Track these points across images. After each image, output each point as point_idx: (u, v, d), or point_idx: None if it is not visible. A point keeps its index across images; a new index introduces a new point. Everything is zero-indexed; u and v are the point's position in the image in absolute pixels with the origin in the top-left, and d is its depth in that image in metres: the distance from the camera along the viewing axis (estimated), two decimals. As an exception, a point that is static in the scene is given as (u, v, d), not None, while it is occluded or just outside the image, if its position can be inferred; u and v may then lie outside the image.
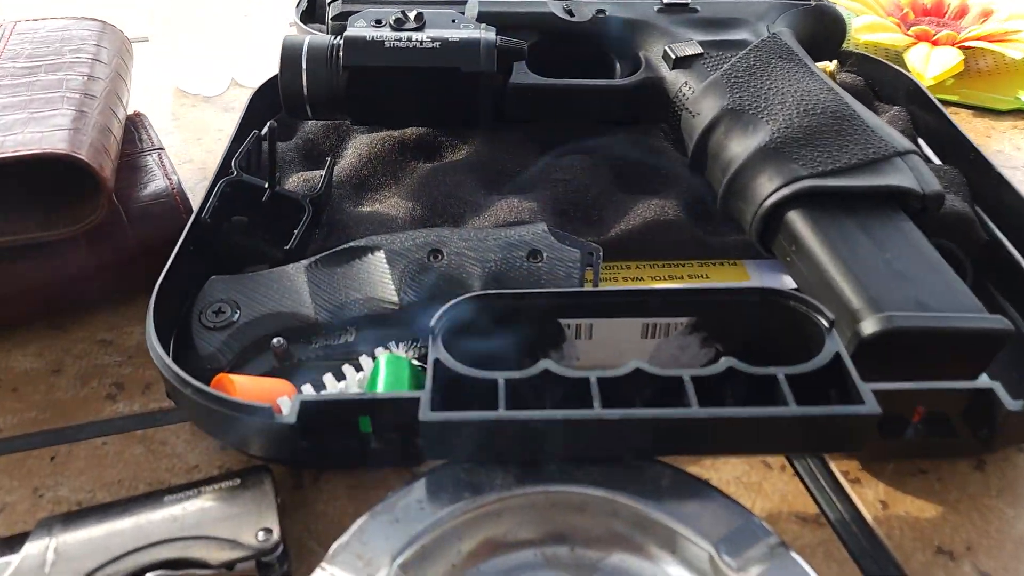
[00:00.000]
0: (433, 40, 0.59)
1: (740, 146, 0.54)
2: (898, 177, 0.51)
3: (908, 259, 0.47)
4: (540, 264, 0.51)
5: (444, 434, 0.38)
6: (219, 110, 0.83)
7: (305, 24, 0.85)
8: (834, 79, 0.73)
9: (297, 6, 0.87)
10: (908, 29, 0.85)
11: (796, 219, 0.50)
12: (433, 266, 0.51)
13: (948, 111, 0.68)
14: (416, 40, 0.59)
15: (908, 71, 0.79)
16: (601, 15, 0.64)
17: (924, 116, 0.70)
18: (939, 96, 0.81)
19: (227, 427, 0.43)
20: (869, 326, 0.43)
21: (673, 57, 0.60)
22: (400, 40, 0.59)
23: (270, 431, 0.41)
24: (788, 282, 0.57)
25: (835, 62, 0.73)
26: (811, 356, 0.40)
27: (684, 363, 0.49)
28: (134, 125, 0.65)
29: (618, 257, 0.58)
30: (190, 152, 0.76)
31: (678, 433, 0.40)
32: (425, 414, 0.38)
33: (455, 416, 0.38)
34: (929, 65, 0.79)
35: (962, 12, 0.89)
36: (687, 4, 0.64)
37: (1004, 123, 0.80)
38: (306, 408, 0.41)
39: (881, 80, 0.74)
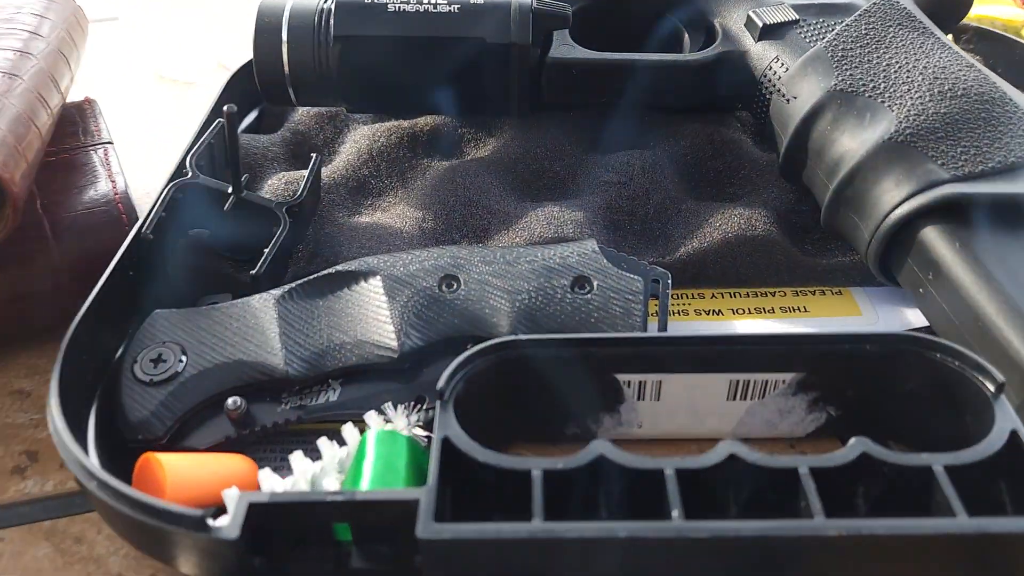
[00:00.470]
0: (451, 3, 0.46)
1: (854, 140, 0.41)
2: None
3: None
4: (589, 296, 0.38)
5: (453, 554, 0.27)
6: (204, 98, 0.70)
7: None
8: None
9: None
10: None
11: (936, 238, 0.37)
12: (446, 298, 0.38)
13: None
14: (429, 2, 0.46)
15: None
16: (667, -24, 0.50)
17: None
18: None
19: (145, 537, 0.30)
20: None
21: (760, 24, 0.46)
22: (408, 3, 0.46)
23: (204, 547, 0.28)
24: (913, 318, 0.43)
25: (950, 38, 0.59)
26: (966, 432, 0.31)
27: (783, 431, 0.36)
28: (80, 114, 0.53)
29: (690, 283, 0.44)
30: (163, 147, 0.64)
31: (792, 556, 0.27)
32: (427, 527, 0.26)
33: (469, 531, 0.26)
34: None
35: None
36: (775, -39, 0.50)
37: None
38: (255, 513, 0.28)
39: (1004, 60, 0.60)
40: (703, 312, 0.44)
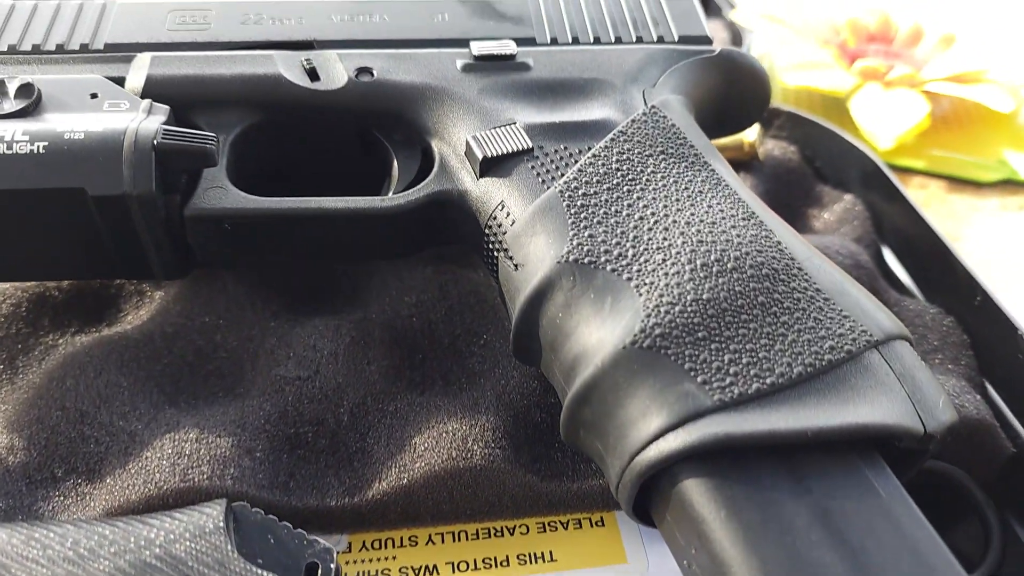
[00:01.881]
0: (34, 139, 0.32)
1: (591, 336, 0.29)
2: (880, 403, 0.27)
3: (888, 553, 0.24)
4: (195, 616, 0.25)
5: None
6: None
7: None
8: (755, 154, 0.49)
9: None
10: (851, 64, 0.61)
11: (699, 495, 0.26)
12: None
13: (913, 183, 0.44)
14: (2, 140, 0.31)
15: (857, 132, 0.55)
16: (366, 77, 0.37)
17: (890, 211, 0.45)
18: (898, 162, 0.57)
19: None
20: None
21: (480, 156, 0.34)
22: (-30, 139, 0.31)
23: None
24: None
25: (757, 128, 0.48)
26: None
27: None
28: None
29: (400, 523, 0.32)
30: None
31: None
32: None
33: None
34: (884, 120, 0.55)
35: (916, 38, 0.66)
36: (511, 57, 0.38)
37: (989, 199, 0.56)
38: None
39: (825, 151, 0.50)
40: (411, 571, 0.31)
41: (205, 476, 0.30)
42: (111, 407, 0.33)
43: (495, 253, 0.33)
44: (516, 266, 0.32)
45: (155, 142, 0.32)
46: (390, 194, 0.36)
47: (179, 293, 0.38)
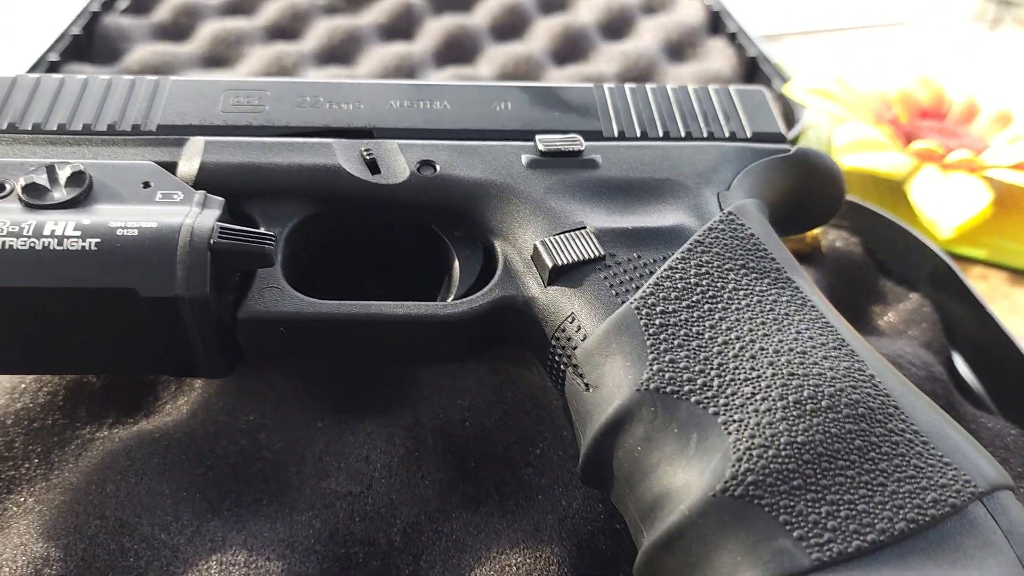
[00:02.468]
0: (86, 234, 0.30)
1: (675, 476, 0.27)
2: (988, 565, 0.26)
3: None
4: None
5: None
6: None
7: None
8: (818, 246, 0.47)
9: None
10: (906, 144, 0.60)
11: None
12: None
13: (974, 273, 0.42)
14: (52, 235, 0.30)
15: (914, 217, 0.54)
16: (428, 171, 0.35)
17: (961, 314, 0.43)
18: (958, 250, 0.55)
19: None
20: None
21: (550, 264, 0.32)
22: (19, 235, 0.30)
23: None
24: None
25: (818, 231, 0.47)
26: None
27: None
28: None
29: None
30: None
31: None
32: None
33: None
34: (945, 206, 0.53)
35: (970, 114, 0.64)
36: (579, 153, 0.36)
37: (1052, 292, 0.54)
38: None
39: (889, 245, 0.48)
40: None
41: (258, 600, 0.28)
42: (152, 517, 0.31)
43: (562, 367, 0.32)
44: (587, 386, 0.30)
45: (211, 242, 0.30)
46: (451, 296, 0.34)
47: (222, 387, 0.36)
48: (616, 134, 0.38)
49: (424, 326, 0.32)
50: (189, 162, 0.35)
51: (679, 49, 0.70)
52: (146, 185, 0.33)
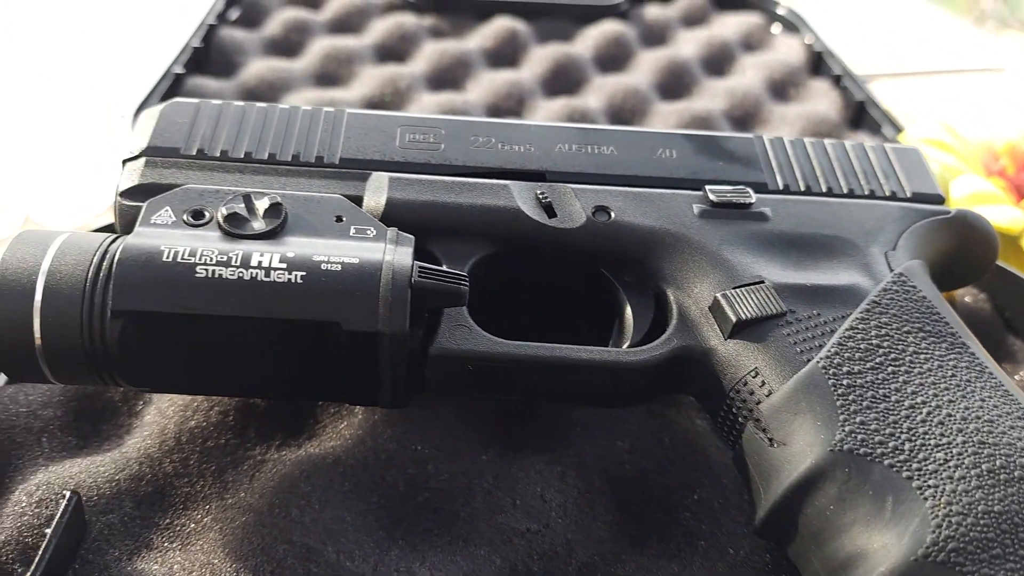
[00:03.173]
0: (292, 267, 0.31)
1: (871, 539, 0.28)
2: None
3: None
4: None
5: None
6: None
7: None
8: (954, 303, 0.47)
9: (138, 109, 0.58)
10: (1019, 199, 0.60)
11: None
12: None
13: None
14: (259, 266, 0.31)
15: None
16: (603, 217, 0.36)
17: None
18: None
19: None
20: None
21: (734, 319, 0.33)
22: (227, 264, 0.31)
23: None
24: None
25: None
26: None
27: None
28: None
29: None
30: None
31: None
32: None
33: None
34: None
35: (1076, 168, 0.64)
36: (748, 205, 0.37)
37: None
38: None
39: (1017, 303, 0.48)
40: None
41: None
42: (337, 544, 0.32)
43: (740, 420, 0.32)
44: (772, 441, 0.31)
45: (412, 280, 0.31)
46: (625, 342, 0.35)
47: (387, 416, 0.37)
48: (781, 187, 0.39)
49: (607, 371, 0.33)
50: (375, 197, 0.36)
51: (782, 89, 0.71)
52: (339, 219, 0.34)
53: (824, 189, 0.39)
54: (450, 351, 0.33)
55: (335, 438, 0.37)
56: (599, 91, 0.68)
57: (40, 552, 0.29)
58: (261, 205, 0.33)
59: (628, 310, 0.36)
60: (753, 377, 0.32)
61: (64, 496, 0.31)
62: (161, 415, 0.37)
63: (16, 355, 0.31)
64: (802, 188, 0.39)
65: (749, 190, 0.37)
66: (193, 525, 0.34)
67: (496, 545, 0.33)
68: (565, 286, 0.38)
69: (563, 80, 0.70)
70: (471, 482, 0.35)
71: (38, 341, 0.31)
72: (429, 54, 0.71)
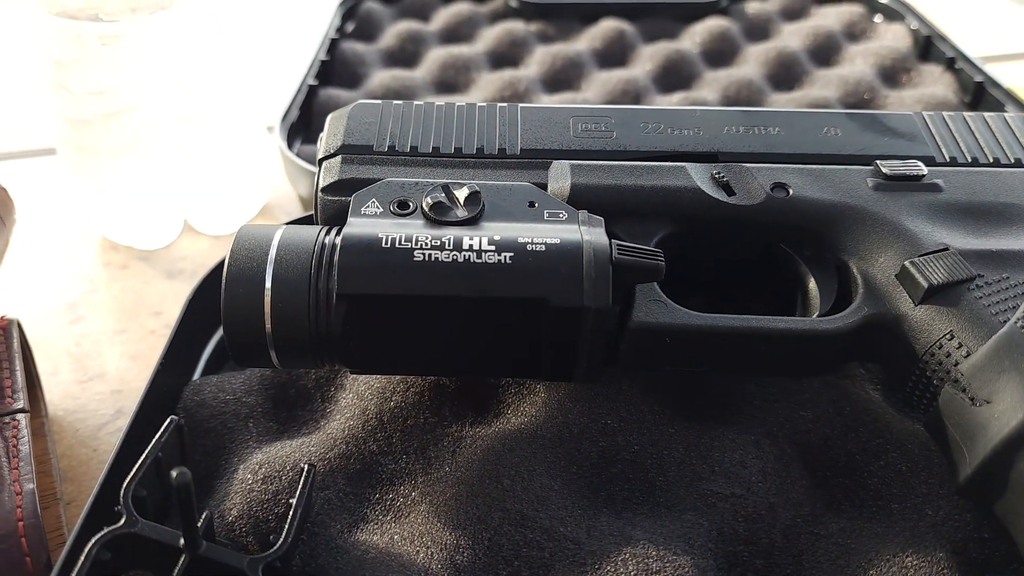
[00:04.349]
0: (500, 249, 0.33)
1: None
2: None
3: None
4: None
5: None
6: (161, 274, 0.57)
7: (292, 147, 0.59)
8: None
9: (284, 116, 0.61)
10: None
11: None
12: None
13: None
14: (470, 249, 0.33)
15: None
16: (781, 193, 0.38)
17: None
18: None
19: None
20: None
21: (926, 285, 0.34)
22: (441, 248, 0.33)
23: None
24: None
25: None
26: None
27: None
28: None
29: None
30: (101, 357, 0.50)
31: None
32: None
33: None
34: None
35: None
36: (920, 177, 0.38)
37: None
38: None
39: None
40: None
41: (674, 587, 0.30)
42: (549, 511, 0.34)
43: (935, 382, 0.33)
44: (975, 400, 0.31)
45: (612, 257, 0.33)
46: (815, 313, 0.36)
47: (572, 392, 0.39)
48: (947, 159, 0.39)
49: (802, 340, 0.34)
50: (559, 183, 0.38)
51: (892, 75, 0.71)
52: (531, 204, 0.36)
53: (991, 160, 0.39)
54: (649, 324, 0.34)
55: (522, 415, 0.39)
56: (713, 84, 0.69)
57: (288, 520, 0.31)
58: (461, 194, 0.35)
59: (812, 283, 0.37)
60: (949, 340, 0.33)
61: (302, 468, 0.33)
62: (359, 398, 0.39)
63: (248, 341, 0.34)
64: (968, 160, 0.39)
65: (919, 163, 0.38)
66: (402, 499, 0.36)
67: (700, 510, 0.34)
68: (740, 263, 0.39)
69: (675, 75, 0.71)
70: (661, 453, 0.37)
71: (268, 328, 0.34)
72: (541, 57, 0.73)
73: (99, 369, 0.49)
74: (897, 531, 0.34)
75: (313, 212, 0.39)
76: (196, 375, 0.43)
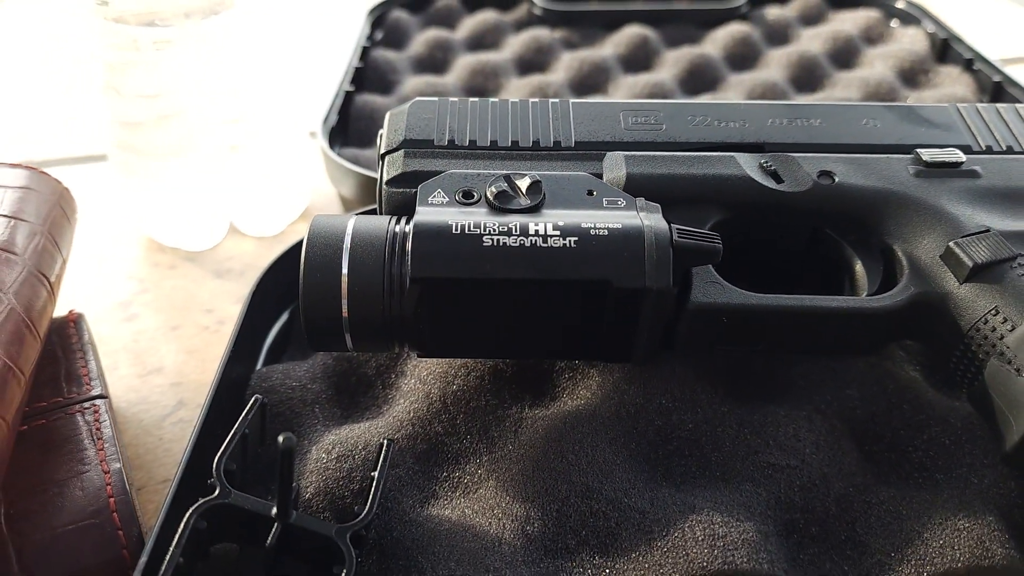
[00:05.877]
0: (565, 234, 0.35)
1: None
2: None
3: None
4: None
5: None
6: (210, 273, 0.59)
7: (334, 148, 0.61)
8: None
9: (325, 121, 0.63)
10: None
11: None
12: None
13: None
14: (536, 234, 0.35)
15: None
16: (827, 180, 0.39)
17: None
18: None
19: None
20: None
21: (970, 264, 0.35)
22: (509, 234, 0.34)
23: None
24: None
25: None
26: None
27: None
28: (62, 341, 0.40)
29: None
30: (159, 352, 0.51)
31: None
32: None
33: None
34: None
35: None
36: (959, 164, 0.40)
37: None
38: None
39: None
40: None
41: (744, 559, 0.32)
42: (613, 483, 0.35)
43: (980, 356, 0.35)
44: (1020, 371, 0.33)
45: (673, 240, 0.35)
46: (862, 294, 0.37)
47: (628, 375, 0.40)
48: (983, 148, 0.41)
49: (853, 319, 0.36)
50: (614, 173, 0.39)
51: (912, 76, 0.73)
52: (590, 192, 0.37)
53: (1025, 148, 0.41)
54: (707, 305, 0.36)
55: (578, 398, 0.40)
56: (737, 87, 0.71)
57: (371, 491, 0.33)
58: (523, 184, 0.37)
59: (858, 265, 0.38)
60: (994, 315, 0.34)
61: (381, 444, 0.35)
62: (422, 382, 0.41)
63: (325, 326, 0.36)
64: (1003, 148, 0.41)
65: (958, 151, 0.40)
66: (469, 477, 0.38)
67: (757, 480, 0.36)
68: (787, 248, 0.41)
69: (700, 79, 0.73)
70: (715, 430, 0.38)
71: (345, 312, 0.35)
72: (568, 63, 0.75)
73: (157, 363, 0.50)
74: (945, 498, 0.35)
75: (376, 206, 0.41)
76: (258, 366, 0.45)
